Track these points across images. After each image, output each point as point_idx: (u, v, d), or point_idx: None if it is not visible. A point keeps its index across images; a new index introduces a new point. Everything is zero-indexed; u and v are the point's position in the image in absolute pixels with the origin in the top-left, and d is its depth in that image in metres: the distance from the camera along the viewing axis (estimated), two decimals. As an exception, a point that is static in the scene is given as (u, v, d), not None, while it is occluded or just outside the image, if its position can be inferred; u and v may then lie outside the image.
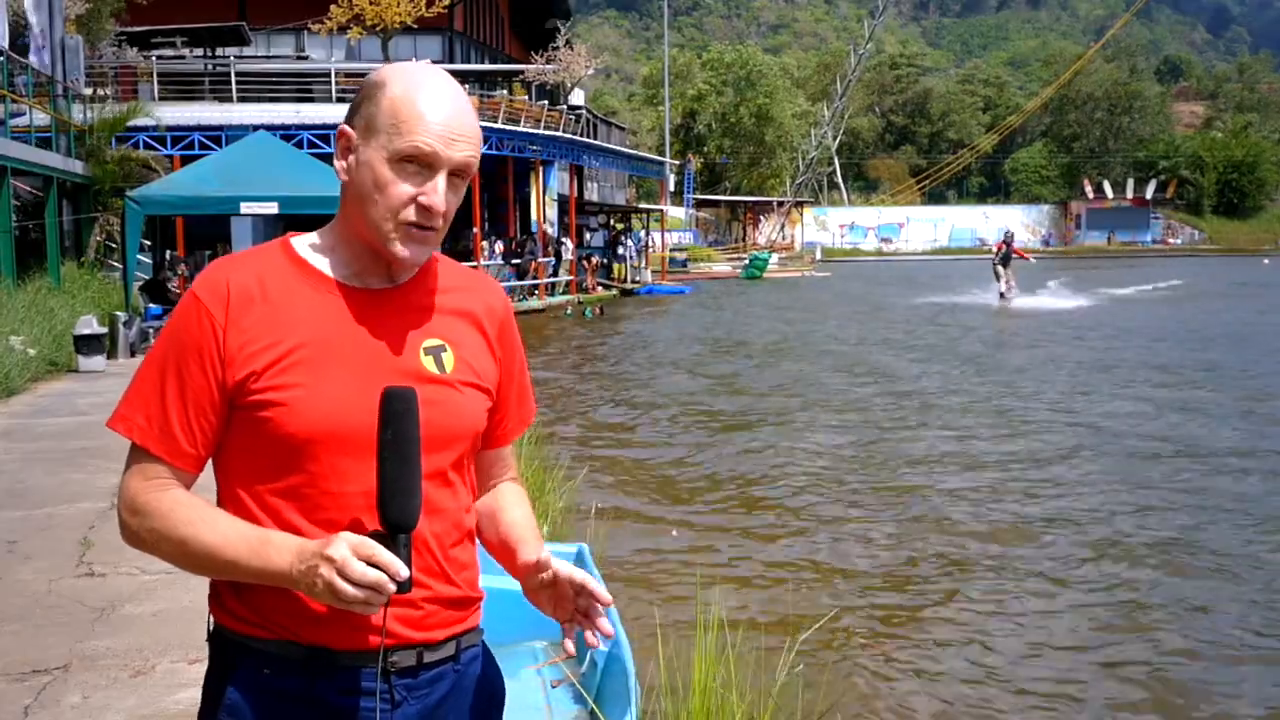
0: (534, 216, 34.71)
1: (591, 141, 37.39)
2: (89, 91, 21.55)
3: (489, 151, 28.21)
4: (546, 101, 35.34)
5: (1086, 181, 78.59)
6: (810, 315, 26.83)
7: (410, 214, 1.49)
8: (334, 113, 25.43)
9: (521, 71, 37.78)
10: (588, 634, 1.56)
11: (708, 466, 9.70)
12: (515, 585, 1.65)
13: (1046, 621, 5.85)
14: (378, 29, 31.84)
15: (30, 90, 18.98)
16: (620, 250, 38.55)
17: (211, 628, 1.57)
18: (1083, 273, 42.84)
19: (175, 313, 1.53)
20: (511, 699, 1.71)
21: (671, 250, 46.30)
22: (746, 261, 47.34)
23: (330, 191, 13.30)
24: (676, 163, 58.58)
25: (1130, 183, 76.92)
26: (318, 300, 1.52)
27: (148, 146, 23.01)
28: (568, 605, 1.56)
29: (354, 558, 1.37)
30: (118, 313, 14.81)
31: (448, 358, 1.56)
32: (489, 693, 1.64)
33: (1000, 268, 28.87)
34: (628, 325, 25.11)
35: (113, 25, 27.45)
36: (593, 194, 45.95)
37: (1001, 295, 28.35)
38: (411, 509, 1.41)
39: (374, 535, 1.40)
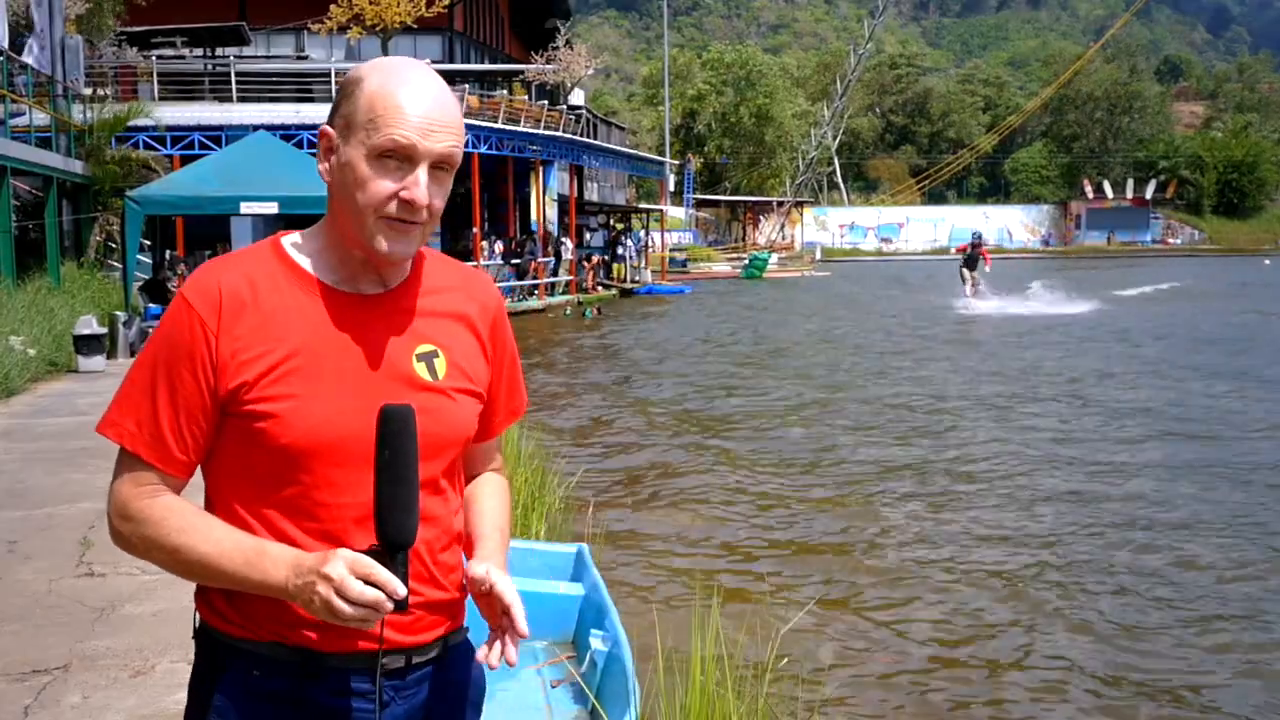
0: (534, 216, 34.71)
1: (591, 141, 37.38)
2: (89, 91, 21.53)
3: (489, 151, 28.22)
4: (546, 101, 35.34)
5: (1086, 181, 78.57)
6: (794, 316, 26.85)
7: (392, 209, 1.46)
8: (334, 113, 25.34)
9: (521, 71, 37.80)
10: (491, 649, 1.52)
11: (707, 466, 9.70)
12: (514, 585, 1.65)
13: (1046, 621, 5.86)
14: (378, 29, 31.84)
15: (30, 90, 18.98)
16: (620, 250, 38.56)
17: (197, 624, 1.56)
18: (1081, 274, 42.85)
19: (166, 317, 1.50)
20: (511, 699, 1.72)
21: (671, 250, 46.32)
22: (746, 261, 47.34)
23: (330, 191, 13.26)
24: (676, 163, 58.58)
25: (1130, 183, 76.90)
26: (309, 306, 1.50)
27: (148, 146, 23.00)
28: (497, 618, 1.53)
29: (352, 577, 1.36)
30: (117, 313, 14.81)
31: (440, 364, 1.54)
32: (471, 686, 1.65)
33: (965, 270, 28.27)
34: (627, 325, 25.11)
35: (113, 25, 27.45)
36: (593, 194, 45.93)
37: (966, 298, 27.44)
38: (409, 527, 1.40)
39: (370, 551, 1.39)
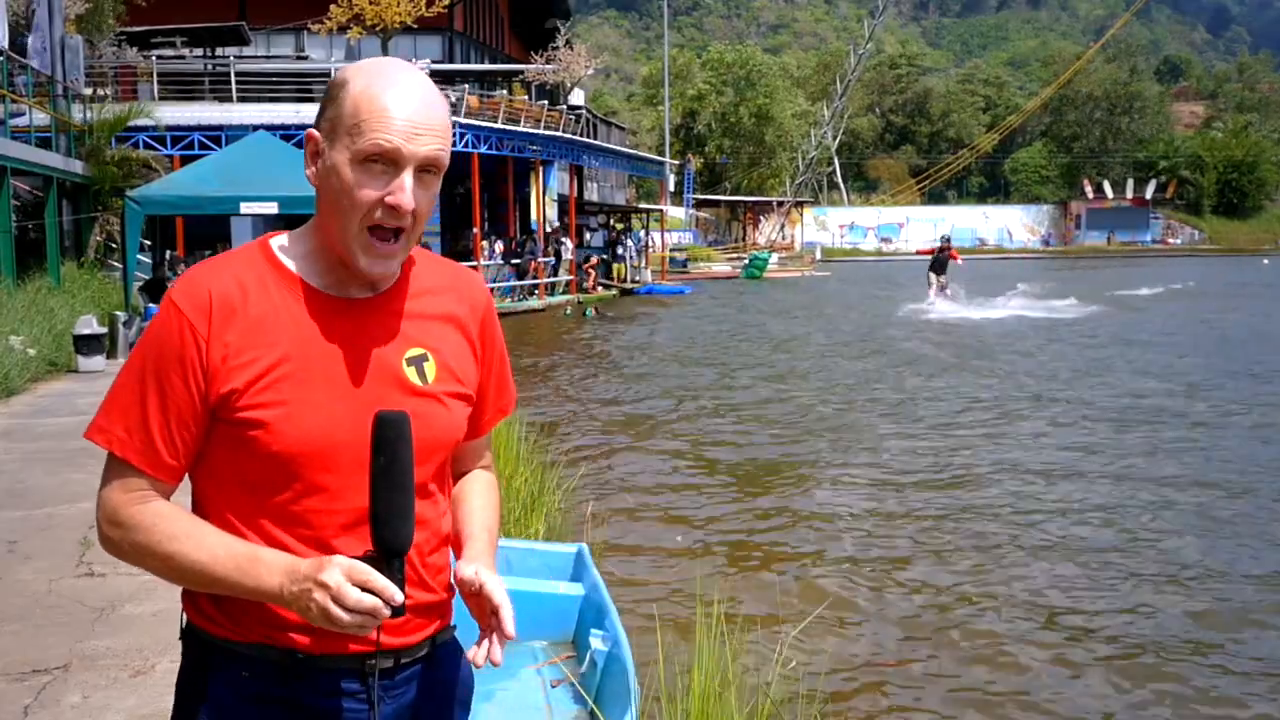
0: (534, 216, 34.72)
1: (591, 141, 37.39)
2: (89, 91, 21.54)
3: (489, 151, 28.22)
4: (546, 101, 35.35)
5: (1086, 181, 78.61)
6: (788, 318, 26.84)
7: (378, 214, 1.45)
8: (334, 113, 25.35)
9: (521, 71, 37.81)
10: (479, 650, 1.52)
11: (707, 466, 9.70)
12: (514, 585, 1.65)
13: (1046, 623, 5.86)
14: (377, 29, 31.85)
15: (30, 90, 18.98)
16: (620, 250, 38.57)
17: (184, 625, 1.55)
18: (1078, 273, 42.80)
19: (155, 321, 1.49)
20: (511, 699, 1.72)
21: (671, 250, 46.32)
22: (746, 261, 47.34)
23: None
24: (676, 163, 58.59)
25: (1130, 183, 76.95)
26: (299, 311, 1.48)
27: (148, 146, 22.99)
28: (486, 618, 1.53)
29: (349, 584, 1.35)
30: (117, 312, 14.82)
31: (429, 368, 1.53)
32: (459, 684, 1.64)
33: (933, 274, 27.67)
34: (627, 325, 25.11)
35: (113, 25, 27.45)
36: (593, 194, 45.94)
37: (931, 301, 26.89)
38: (405, 534, 1.39)
39: (366, 557, 1.38)
